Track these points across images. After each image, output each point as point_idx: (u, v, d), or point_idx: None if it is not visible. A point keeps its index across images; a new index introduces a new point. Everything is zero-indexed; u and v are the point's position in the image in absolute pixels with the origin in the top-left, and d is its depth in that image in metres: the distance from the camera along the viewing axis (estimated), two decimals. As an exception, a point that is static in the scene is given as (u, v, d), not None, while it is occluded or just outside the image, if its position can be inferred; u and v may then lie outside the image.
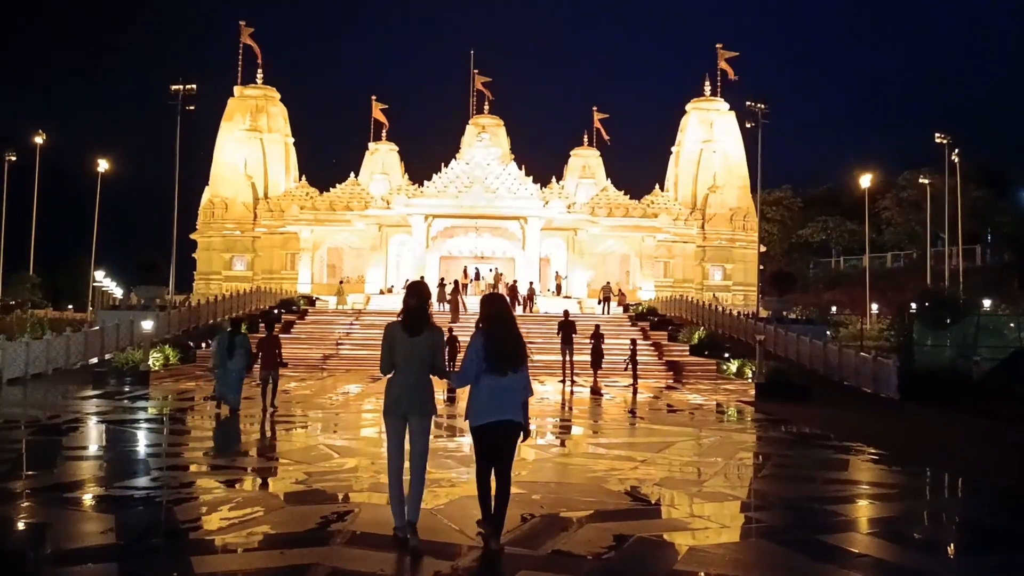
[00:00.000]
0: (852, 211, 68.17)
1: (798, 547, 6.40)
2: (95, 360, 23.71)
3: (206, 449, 11.33)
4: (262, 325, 31.52)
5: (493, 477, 6.05)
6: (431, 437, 6.41)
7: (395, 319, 6.31)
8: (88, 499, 7.71)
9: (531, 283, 41.06)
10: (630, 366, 22.62)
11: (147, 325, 22.63)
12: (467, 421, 6.12)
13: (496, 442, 5.99)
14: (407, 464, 6.18)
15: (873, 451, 11.89)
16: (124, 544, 6.14)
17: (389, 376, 6.23)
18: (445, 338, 6.45)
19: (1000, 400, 17.60)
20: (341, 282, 47.02)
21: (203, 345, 27.36)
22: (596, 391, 21.07)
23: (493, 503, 6.05)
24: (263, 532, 6.43)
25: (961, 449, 13.23)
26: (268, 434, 12.72)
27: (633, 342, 23.59)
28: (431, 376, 6.23)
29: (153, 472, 9.16)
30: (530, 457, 10.38)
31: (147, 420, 14.52)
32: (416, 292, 6.27)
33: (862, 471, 10.66)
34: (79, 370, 22.44)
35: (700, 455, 11.11)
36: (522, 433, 6.12)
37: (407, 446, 6.19)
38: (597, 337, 24.02)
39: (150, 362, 21.51)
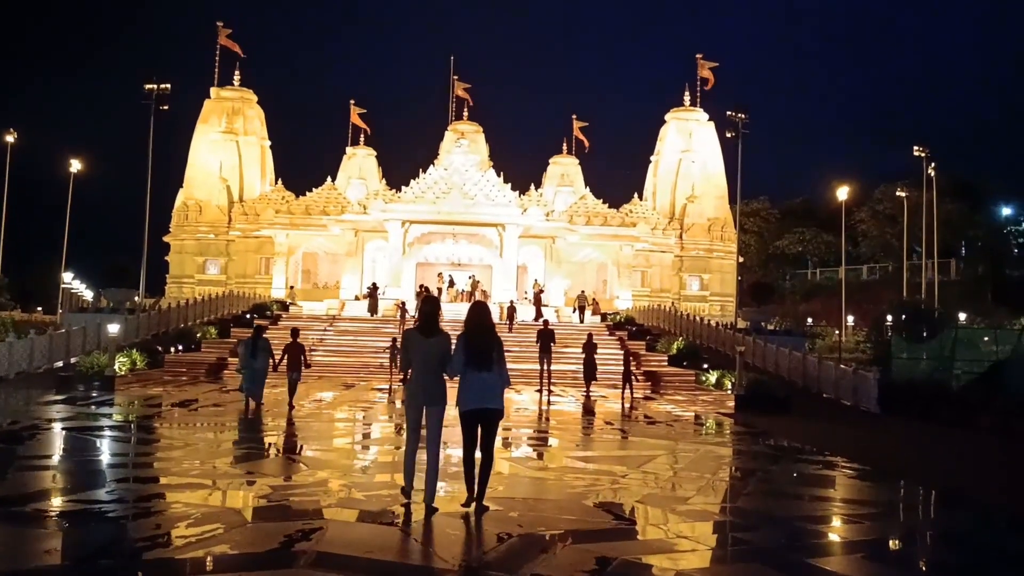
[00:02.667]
0: (828, 223, 68.52)
1: (790, 571, 6.07)
2: (60, 364, 23.03)
3: (168, 459, 10.84)
4: (232, 328, 31.57)
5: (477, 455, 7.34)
6: (444, 432, 7.65)
7: (410, 327, 7.82)
8: (37, 514, 7.21)
9: (512, 301, 37.71)
10: (624, 381, 21.15)
11: (113, 329, 21.98)
12: (457, 408, 7.34)
13: (480, 424, 7.28)
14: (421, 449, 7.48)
15: (858, 466, 11.64)
16: (70, 565, 5.70)
17: (409, 372, 7.63)
18: (452, 341, 7.51)
19: (980, 413, 17.47)
20: (291, 287, 46.72)
21: (172, 350, 26.78)
22: (589, 408, 19.61)
23: (477, 475, 7.33)
24: (222, 552, 5.97)
25: (947, 464, 13.02)
26: (244, 443, 12.28)
27: (627, 354, 22.67)
28: (442, 372, 7.40)
29: (110, 484, 8.67)
30: (506, 471, 10.00)
31: (109, 428, 13.97)
32: (430, 302, 7.74)
33: (849, 488, 10.37)
34: (43, 374, 21.75)
35: (683, 470, 10.78)
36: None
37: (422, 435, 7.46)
38: (590, 348, 22.39)
39: (116, 367, 20.90)
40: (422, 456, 7.50)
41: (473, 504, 7.30)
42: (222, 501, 8.02)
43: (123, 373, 21.64)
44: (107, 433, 13.27)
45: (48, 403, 16.84)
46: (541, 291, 40.40)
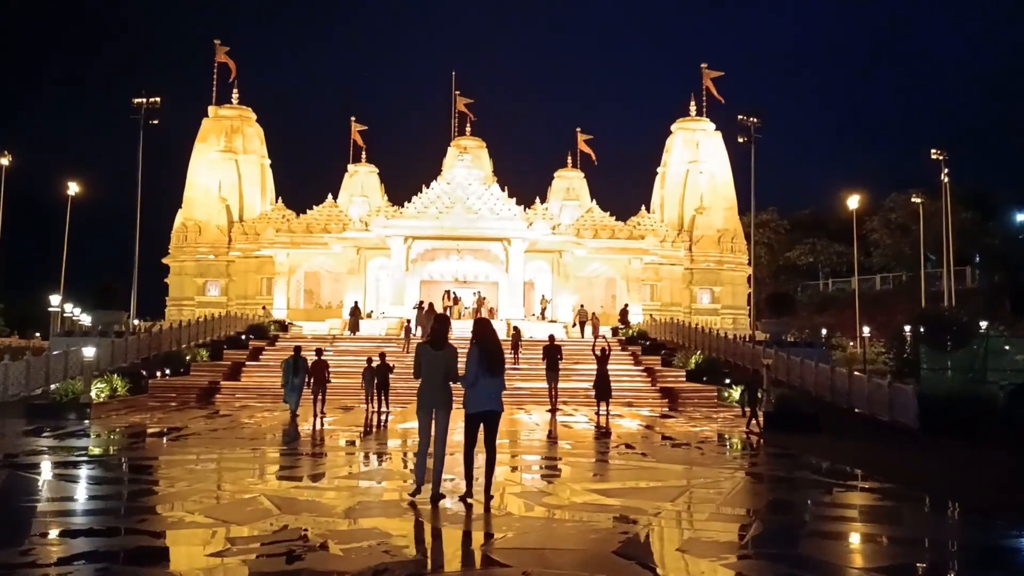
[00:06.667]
0: (839, 233, 67.12)
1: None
2: (40, 391, 21.53)
3: (118, 506, 9.32)
4: (226, 350, 30.28)
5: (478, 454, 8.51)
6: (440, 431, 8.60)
7: (422, 340, 9.42)
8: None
9: (516, 327, 32.11)
10: (749, 408, 18.41)
11: (88, 352, 20.45)
12: (464, 410, 8.45)
13: (484, 424, 8.42)
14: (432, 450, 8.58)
15: (919, 494, 10.13)
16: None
17: (420, 381, 8.62)
18: (456, 353, 8.65)
19: None
20: (264, 308, 45.45)
21: (157, 374, 25.30)
22: (605, 429, 17.64)
23: (482, 474, 8.53)
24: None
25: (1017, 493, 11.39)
26: (217, 481, 10.75)
27: (756, 373, 19.37)
28: (448, 381, 8.54)
29: (30, 540, 7.04)
30: (517, 511, 8.44)
31: (65, 464, 12.24)
32: (441, 320, 8.91)
33: (920, 526, 8.81)
34: (18, 403, 20.23)
35: (723, 505, 9.14)
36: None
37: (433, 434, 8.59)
38: (603, 360, 19.96)
39: (92, 394, 19.40)
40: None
41: (470, 498, 8.41)
42: (163, 563, 6.46)
43: (102, 400, 20.16)
44: (61, 471, 11.61)
45: (14, 435, 15.34)
46: (624, 310, 39.48)
